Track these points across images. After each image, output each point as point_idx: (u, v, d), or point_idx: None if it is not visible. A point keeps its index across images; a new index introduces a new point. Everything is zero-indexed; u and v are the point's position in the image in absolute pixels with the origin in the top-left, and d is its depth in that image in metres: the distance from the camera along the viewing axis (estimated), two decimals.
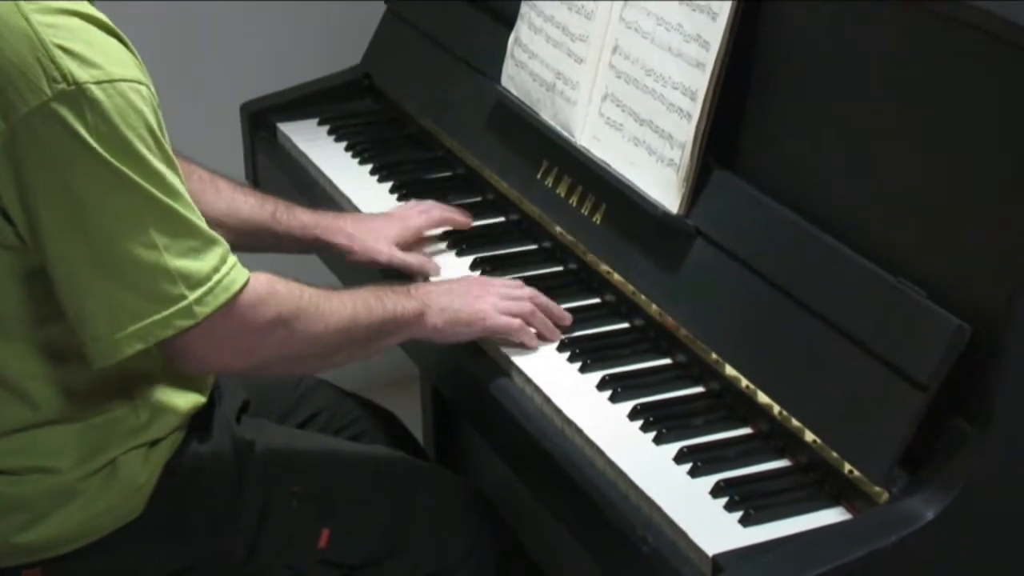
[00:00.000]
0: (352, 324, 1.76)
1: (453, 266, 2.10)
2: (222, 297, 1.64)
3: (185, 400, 1.81)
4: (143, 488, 1.76)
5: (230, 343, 1.68)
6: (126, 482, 1.75)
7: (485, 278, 1.96)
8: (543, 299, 1.92)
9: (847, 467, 1.59)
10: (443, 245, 2.15)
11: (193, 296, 1.62)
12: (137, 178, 1.58)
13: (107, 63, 1.58)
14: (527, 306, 1.88)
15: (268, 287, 1.70)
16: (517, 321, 1.87)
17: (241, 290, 1.66)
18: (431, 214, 2.15)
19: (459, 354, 1.93)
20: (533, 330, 1.88)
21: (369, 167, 2.40)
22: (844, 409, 1.61)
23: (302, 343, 1.73)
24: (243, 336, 1.68)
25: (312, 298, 1.74)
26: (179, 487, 1.79)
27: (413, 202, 2.20)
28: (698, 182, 1.88)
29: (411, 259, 2.08)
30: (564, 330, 1.92)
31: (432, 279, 2.05)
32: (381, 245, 2.08)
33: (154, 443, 1.77)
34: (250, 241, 2.07)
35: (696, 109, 1.86)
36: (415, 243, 2.13)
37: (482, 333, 1.87)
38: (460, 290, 1.88)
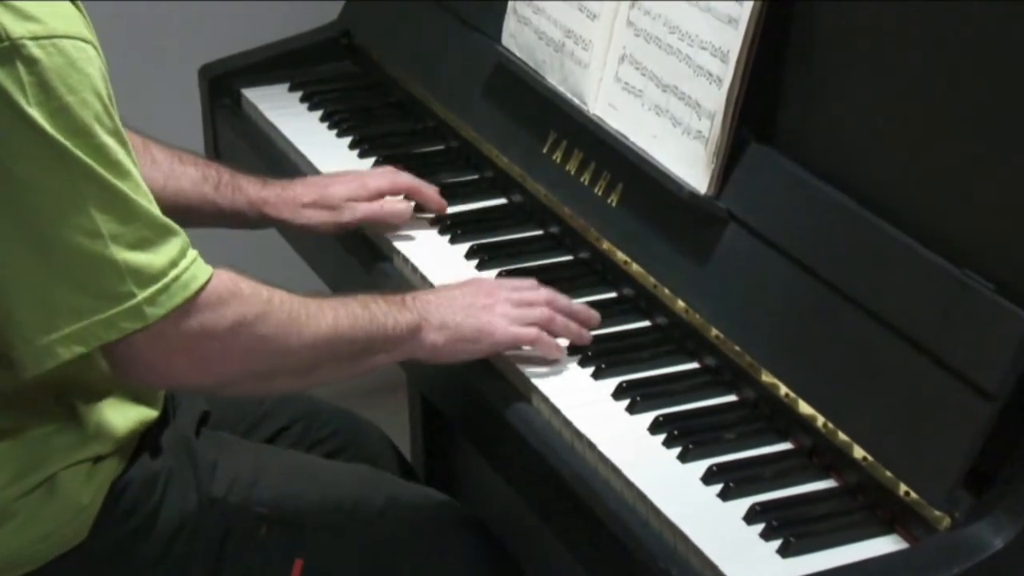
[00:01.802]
0: (333, 336, 1.75)
1: (445, 255, 2.10)
2: (178, 297, 1.64)
3: (134, 413, 1.81)
4: (86, 510, 1.77)
5: (186, 352, 1.67)
6: (67, 503, 1.75)
7: (494, 281, 1.94)
8: (563, 300, 1.91)
9: (903, 488, 1.60)
10: (433, 231, 2.15)
11: (144, 294, 1.62)
12: (80, 153, 1.59)
13: (48, 17, 1.58)
14: (543, 312, 1.87)
15: (232, 286, 1.69)
16: (533, 330, 1.85)
17: (201, 289, 1.66)
18: (395, 178, 2.16)
19: None
20: (554, 340, 1.87)
21: (348, 140, 2.40)
22: (899, 421, 1.62)
23: (272, 355, 1.73)
24: (200, 344, 1.68)
25: (284, 303, 1.73)
26: (128, 509, 1.80)
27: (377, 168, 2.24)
28: (730, 158, 1.88)
29: (372, 208, 2.12)
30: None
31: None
32: (339, 206, 2.12)
33: (99, 459, 1.77)
34: (192, 218, 2.07)
35: (728, 72, 1.86)
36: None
37: (491, 350, 1.86)
38: (464, 300, 1.87)
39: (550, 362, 1.87)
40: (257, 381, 1.76)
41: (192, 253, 1.67)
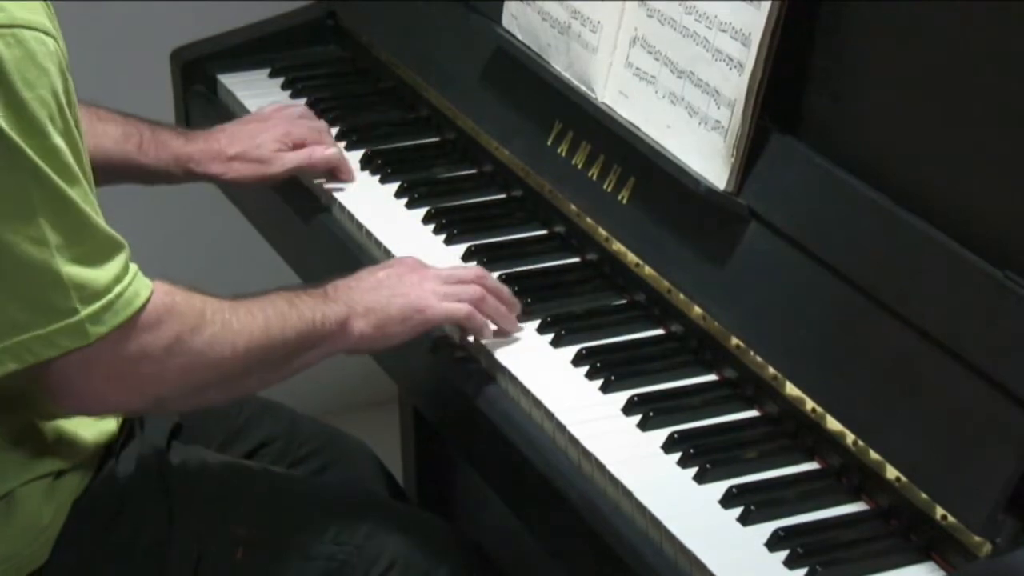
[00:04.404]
0: (265, 341, 1.78)
1: (440, 256, 2.10)
2: (122, 315, 1.65)
3: (91, 431, 1.81)
4: (47, 530, 1.78)
5: (119, 377, 1.69)
6: (25, 522, 1.76)
7: (421, 261, 1.98)
8: (492, 281, 1.95)
9: (939, 512, 1.60)
10: (428, 230, 2.16)
11: (86, 311, 1.63)
12: (31, 153, 1.59)
13: (10, 4, 1.59)
14: (475, 290, 1.91)
15: (167, 301, 1.71)
16: (464, 307, 1.89)
17: (143, 307, 1.67)
18: (321, 136, 2.28)
19: (447, 368, 1.94)
20: (485, 320, 1.91)
21: (335, 131, 2.40)
22: (936, 439, 1.62)
23: (207, 370, 1.75)
24: (136, 368, 1.69)
25: (216, 313, 1.75)
26: (92, 530, 1.80)
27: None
28: (752, 150, 1.89)
29: (301, 157, 2.23)
30: (583, 339, 1.93)
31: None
32: (267, 158, 2.22)
33: (59, 474, 1.78)
34: (113, 178, 2.13)
35: (750, 57, 1.87)
36: None
37: (422, 328, 1.90)
38: (389, 281, 1.91)
39: (554, 373, 1.88)
40: (188, 397, 1.79)
41: (133, 268, 1.68)
